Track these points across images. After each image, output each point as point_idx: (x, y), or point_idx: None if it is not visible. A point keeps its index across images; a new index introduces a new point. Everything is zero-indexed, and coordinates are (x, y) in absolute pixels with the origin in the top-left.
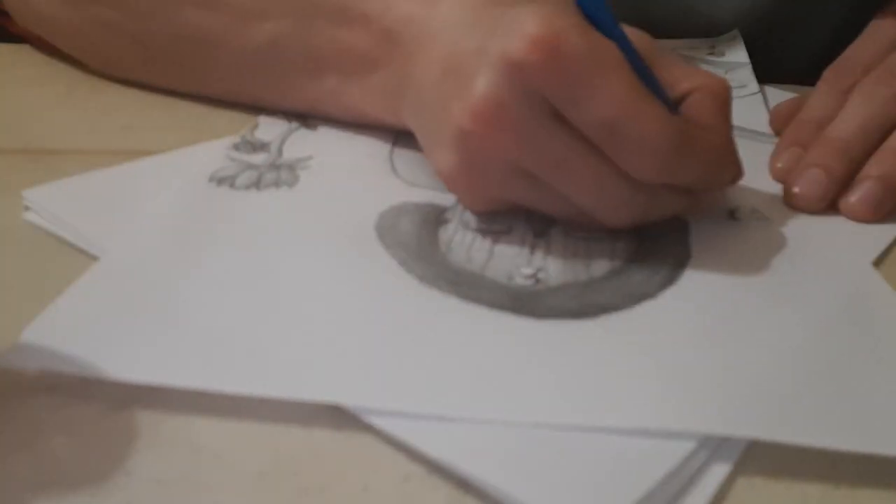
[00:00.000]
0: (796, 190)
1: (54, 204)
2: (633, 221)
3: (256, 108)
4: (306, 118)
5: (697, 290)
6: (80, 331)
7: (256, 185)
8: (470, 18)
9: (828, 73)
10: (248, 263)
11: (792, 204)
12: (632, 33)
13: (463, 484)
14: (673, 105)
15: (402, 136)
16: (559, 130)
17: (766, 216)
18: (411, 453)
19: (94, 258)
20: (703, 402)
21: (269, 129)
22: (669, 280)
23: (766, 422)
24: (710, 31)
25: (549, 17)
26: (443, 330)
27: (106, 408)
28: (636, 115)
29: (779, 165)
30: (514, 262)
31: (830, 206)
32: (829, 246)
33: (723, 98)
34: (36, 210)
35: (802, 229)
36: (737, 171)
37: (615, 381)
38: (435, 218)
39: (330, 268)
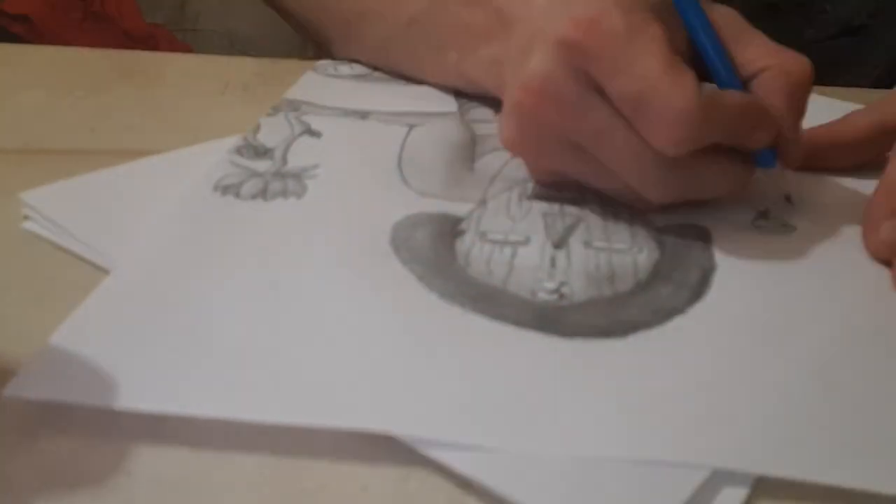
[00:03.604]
0: None
1: (54, 211)
2: (672, 197)
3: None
4: (309, 125)
5: (725, 305)
6: (97, 356)
7: (263, 194)
8: (549, 3)
9: None
10: (265, 283)
11: None
12: (719, 11)
13: (463, 484)
14: (739, 83)
15: (408, 144)
16: (600, 103)
17: (786, 221)
18: (411, 453)
19: (94, 265)
20: (728, 437)
21: (271, 132)
22: (697, 294)
23: (789, 459)
24: None
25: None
26: (467, 352)
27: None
28: (659, 90)
29: (881, 238)
30: (535, 275)
31: None
32: (851, 251)
33: (794, 78)
34: (35, 219)
35: (823, 234)
36: (770, 134)
37: (642, 409)
38: (450, 229)
39: (348, 287)
